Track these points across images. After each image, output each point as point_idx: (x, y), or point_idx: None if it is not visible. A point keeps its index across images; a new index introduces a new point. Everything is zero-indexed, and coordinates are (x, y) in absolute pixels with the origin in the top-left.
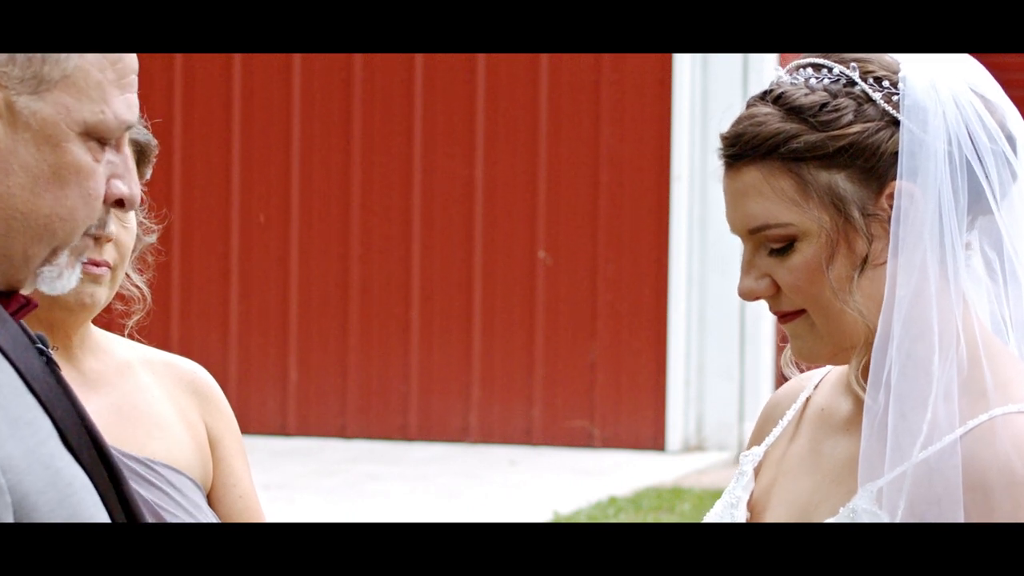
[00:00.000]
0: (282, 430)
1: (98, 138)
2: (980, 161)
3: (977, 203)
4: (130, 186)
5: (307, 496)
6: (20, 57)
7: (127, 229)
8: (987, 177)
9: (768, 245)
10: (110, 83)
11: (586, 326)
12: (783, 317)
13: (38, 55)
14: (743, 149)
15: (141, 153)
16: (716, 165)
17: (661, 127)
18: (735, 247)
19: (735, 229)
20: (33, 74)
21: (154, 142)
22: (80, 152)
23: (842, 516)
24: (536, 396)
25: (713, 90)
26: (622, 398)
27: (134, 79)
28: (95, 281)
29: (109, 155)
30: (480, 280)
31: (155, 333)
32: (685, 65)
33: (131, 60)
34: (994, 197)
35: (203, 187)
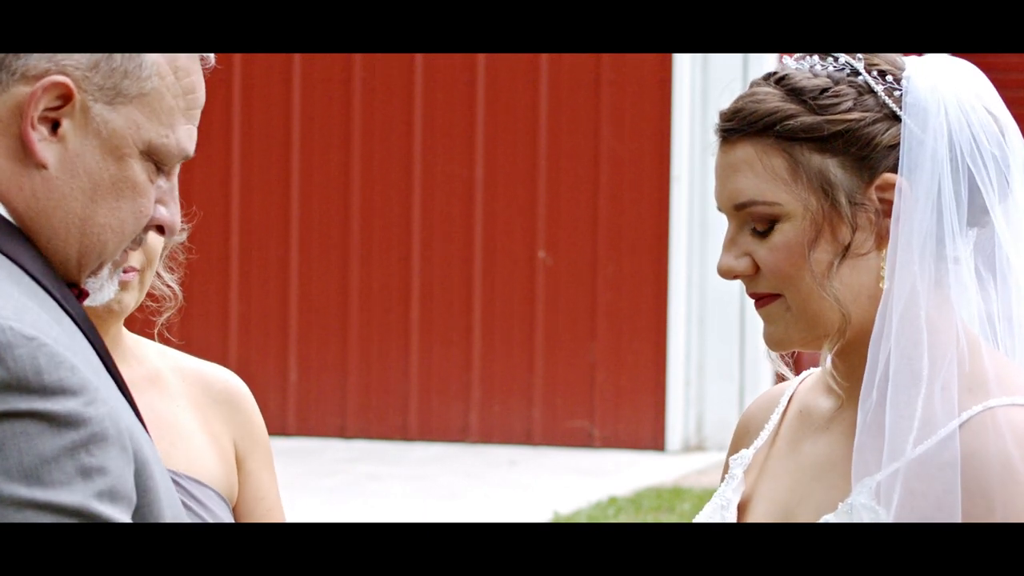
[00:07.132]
0: (282, 430)
1: (156, 161)
2: (981, 167)
3: (973, 208)
4: (172, 214)
5: (307, 496)
6: (103, 66)
7: None
8: (986, 183)
9: (752, 224)
10: (180, 111)
11: (586, 326)
12: (759, 300)
13: (120, 68)
14: (739, 124)
15: None
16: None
17: (661, 127)
18: None
19: (722, 205)
20: (113, 85)
21: None
22: (139, 170)
23: (840, 512)
24: (536, 396)
25: (713, 90)
26: (622, 398)
27: (199, 113)
28: (123, 287)
29: (160, 180)
30: (480, 280)
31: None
32: (685, 65)
33: (201, 94)
34: (991, 204)
35: (203, 187)
